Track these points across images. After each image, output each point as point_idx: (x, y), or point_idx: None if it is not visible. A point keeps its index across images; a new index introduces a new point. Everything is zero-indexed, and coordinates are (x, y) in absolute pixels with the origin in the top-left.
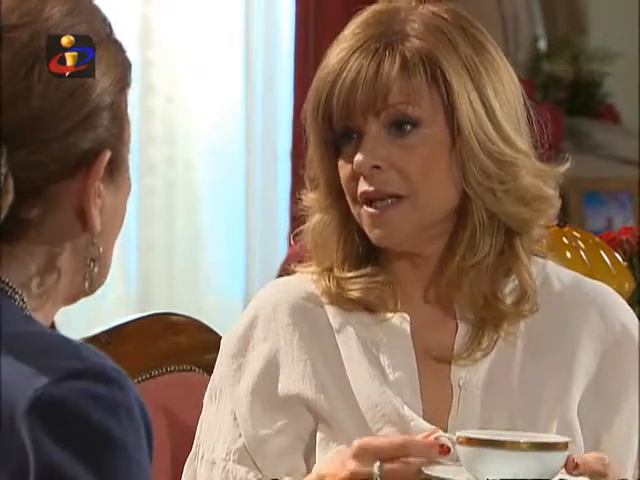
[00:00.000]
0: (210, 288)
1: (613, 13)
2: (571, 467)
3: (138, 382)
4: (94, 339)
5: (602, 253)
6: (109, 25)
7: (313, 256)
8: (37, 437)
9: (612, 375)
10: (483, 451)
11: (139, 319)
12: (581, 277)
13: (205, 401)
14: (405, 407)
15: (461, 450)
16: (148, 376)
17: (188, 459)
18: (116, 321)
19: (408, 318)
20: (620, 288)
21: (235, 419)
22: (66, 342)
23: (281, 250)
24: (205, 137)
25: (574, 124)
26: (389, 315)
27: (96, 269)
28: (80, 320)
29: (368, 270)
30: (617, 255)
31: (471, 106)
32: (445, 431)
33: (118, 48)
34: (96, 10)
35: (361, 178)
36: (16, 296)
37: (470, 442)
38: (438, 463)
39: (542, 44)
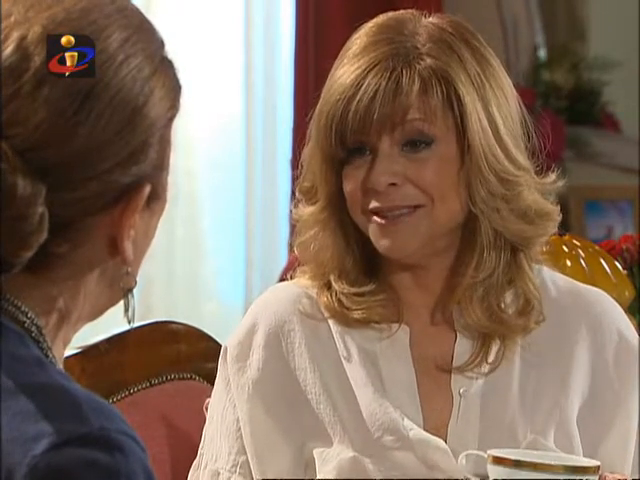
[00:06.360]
0: (210, 296)
1: (613, 21)
2: None
3: (138, 390)
4: (94, 347)
5: (602, 261)
6: (163, 45)
7: (310, 269)
8: None
9: (609, 384)
10: (516, 472)
11: (139, 327)
12: (576, 283)
13: (208, 409)
14: (405, 418)
15: (493, 469)
16: (148, 384)
17: (192, 467)
18: (116, 329)
19: (408, 330)
20: (620, 296)
21: (239, 429)
22: (71, 399)
23: (281, 258)
24: (205, 145)
25: (574, 133)
26: (389, 327)
27: (133, 300)
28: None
29: (370, 287)
30: (617, 264)
31: (480, 125)
32: (445, 441)
33: (170, 71)
34: (154, 33)
35: (373, 194)
36: (33, 327)
37: (503, 462)
38: None
39: (542, 53)
